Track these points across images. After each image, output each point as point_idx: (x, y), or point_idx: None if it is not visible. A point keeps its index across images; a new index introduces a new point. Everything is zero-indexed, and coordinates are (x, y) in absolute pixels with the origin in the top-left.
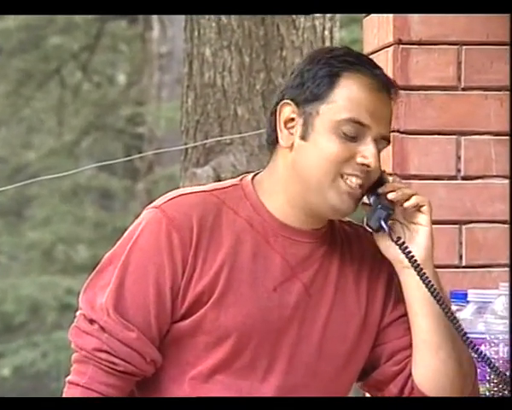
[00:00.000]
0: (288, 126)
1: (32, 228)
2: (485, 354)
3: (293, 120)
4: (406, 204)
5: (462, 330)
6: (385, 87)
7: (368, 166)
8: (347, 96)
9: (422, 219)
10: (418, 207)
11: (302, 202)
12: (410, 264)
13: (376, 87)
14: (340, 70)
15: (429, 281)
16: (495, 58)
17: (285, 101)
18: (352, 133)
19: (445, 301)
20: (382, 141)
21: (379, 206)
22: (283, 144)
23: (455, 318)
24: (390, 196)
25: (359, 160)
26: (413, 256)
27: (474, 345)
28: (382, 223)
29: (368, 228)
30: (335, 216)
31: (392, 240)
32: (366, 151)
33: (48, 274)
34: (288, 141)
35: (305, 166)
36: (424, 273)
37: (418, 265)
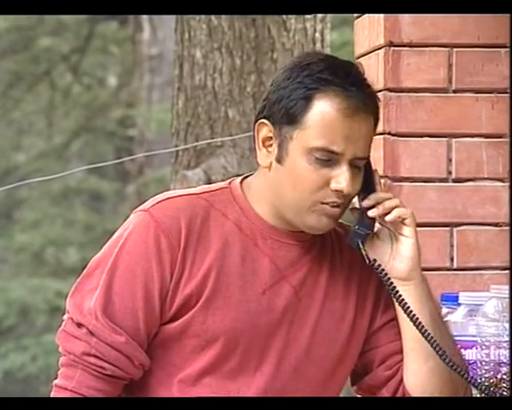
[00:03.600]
0: (266, 145)
1: (21, 231)
2: (471, 377)
3: (270, 138)
4: (387, 218)
5: (443, 352)
6: (361, 107)
7: (341, 191)
8: (320, 122)
9: (406, 231)
10: (402, 220)
11: (285, 216)
12: (387, 288)
13: (351, 111)
14: (314, 92)
15: (406, 304)
16: (486, 60)
17: (261, 121)
18: (325, 159)
19: (423, 325)
20: (359, 161)
21: (356, 226)
22: (261, 164)
23: (432, 338)
24: (370, 213)
25: (333, 186)
26: (389, 279)
27: (457, 367)
28: (360, 244)
29: (349, 246)
30: (313, 232)
31: (369, 262)
32: (340, 176)
33: (38, 277)
34: (266, 160)
35: (282, 189)
36: (400, 296)
37: (394, 288)
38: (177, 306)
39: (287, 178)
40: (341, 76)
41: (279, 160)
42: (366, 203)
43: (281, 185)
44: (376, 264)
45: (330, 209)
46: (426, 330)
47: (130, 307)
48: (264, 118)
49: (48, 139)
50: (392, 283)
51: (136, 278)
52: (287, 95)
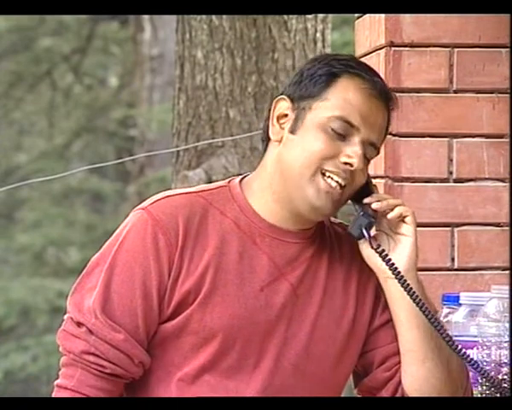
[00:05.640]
0: (280, 122)
1: (22, 231)
2: (475, 361)
3: (286, 115)
4: (390, 215)
5: (450, 337)
6: (383, 96)
7: (351, 165)
8: (342, 96)
9: (406, 229)
10: (402, 218)
11: (286, 199)
12: (391, 273)
13: (374, 94)
14: (340, 71)
15: (411, 289)
16: (487, 60)
17: (281, 96)
18: (341, 131)
19: (429, 310)
20: (371, 147)
21: (361, 213)
22: (273, 138)
23: (441, 325)
24: (374, 205)
25: (343, 159)
26: (393, 264)
27: (464, 353)
28: (363, 230)
29: (350, 235)
30: (314, 215)
31: (372, 247)
32: (351, 151)
33: (39, 277)
34: (278, 135)
35: (288, 158)
36: (406, 281)
37: (399, 273)
38: (175, 303)
39: (297, 146)
40: (367, 68)
41: (292, 130)
42: (369, 199)
43: (289, 154)
44: (380, 249)
45: (332, 188)
46: (432, 317)
47: (128, 304)
48: (284, 95)
49: (49, 139)
50: (396, 268)
51: (135, 276)
52: (310, 74)
